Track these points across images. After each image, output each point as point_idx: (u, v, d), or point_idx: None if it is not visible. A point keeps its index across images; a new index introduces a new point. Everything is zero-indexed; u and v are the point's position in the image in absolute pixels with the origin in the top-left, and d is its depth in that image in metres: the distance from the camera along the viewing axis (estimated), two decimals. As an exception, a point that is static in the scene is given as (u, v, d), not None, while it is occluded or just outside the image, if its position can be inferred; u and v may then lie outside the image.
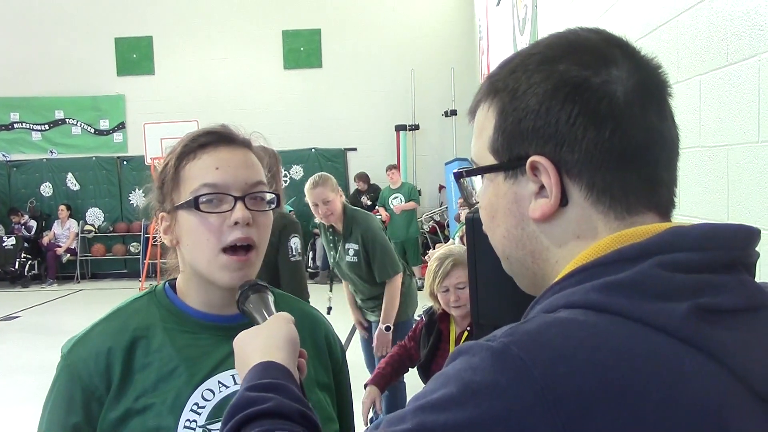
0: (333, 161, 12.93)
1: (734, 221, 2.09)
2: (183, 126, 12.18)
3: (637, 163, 0.73)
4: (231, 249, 1.22)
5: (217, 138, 1.27)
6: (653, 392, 0.61)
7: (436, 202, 12.91)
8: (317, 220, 4.33)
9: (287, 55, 13.21)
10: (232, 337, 1.20)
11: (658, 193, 0.75)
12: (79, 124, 13.49)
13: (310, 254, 11.87)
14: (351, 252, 4.17)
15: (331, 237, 4.29)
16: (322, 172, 4.30)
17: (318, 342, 1.38)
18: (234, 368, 1.23)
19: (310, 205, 4.12)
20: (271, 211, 1.30)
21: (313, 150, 12.76)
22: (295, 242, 3.66)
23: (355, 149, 12.82)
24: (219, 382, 1.25)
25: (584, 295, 0.68)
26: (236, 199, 1.22)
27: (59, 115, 13.47)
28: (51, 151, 13.56)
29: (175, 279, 1.34)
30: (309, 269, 11.89)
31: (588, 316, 0.66)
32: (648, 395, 0.61)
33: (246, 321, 1.23)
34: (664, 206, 0.76)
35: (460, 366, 0.66)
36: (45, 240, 12.96)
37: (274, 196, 1.30)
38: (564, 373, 0.62)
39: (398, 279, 4.21)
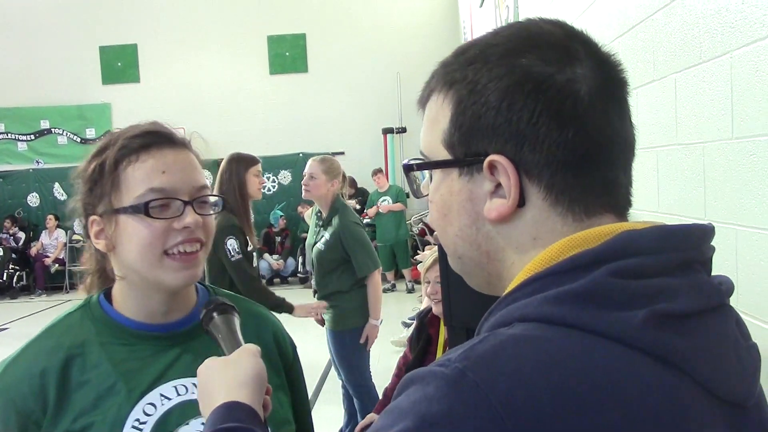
0: (321, 165, 12.92)
1: (712, 218, 2.10)
2: (169, 133, 12.18)
3: (598, 165, 0.71)
4: (177, 251, 1.19)
5: (159, 138, 1.23)
6: (616, 409, 0.59)
7: (425, 205, 12.90)
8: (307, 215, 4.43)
9: (273, 60, 13.20)
10: (174, 346, 1.19)
11: (616, 195, 0.74)
12: (65, 133, 13.44)
13: (300, 259, 11.86)
14: (323, 240, 4.19)
15: (317, 221, 4.35)
16: (331, 157, 4.37)
17: (265, 341, 1.34)
18: (177, 378, 1.22)
19: None
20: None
21: (300, 155, 12.74)
22: (231, 243, 3.86)
23: (342, 153, 12.83)
24: (161, 394, 1.21)
25: (538, 308, 0.66)
26: (185, 203, 1.20)
27: (45, 124, 13.42)
28: (37, 161, 13.50)
29: (110, 289, 1.29)
30: (299, 274, 11.88)
31: (543, 331, 0.64)
32: (611, 412, 0.59)
33: (187, 329, 1.22)
34: (621, 207, 0.75)
35: (415, 397, 0.62)
36: (33, 250, 12.88)
37: (219, 199, 1.29)
38: (523, 398, 0.59)
39: (377, 275, 4.23)
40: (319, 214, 4.35)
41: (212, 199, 1.26)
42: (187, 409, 1.21)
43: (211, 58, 13.05)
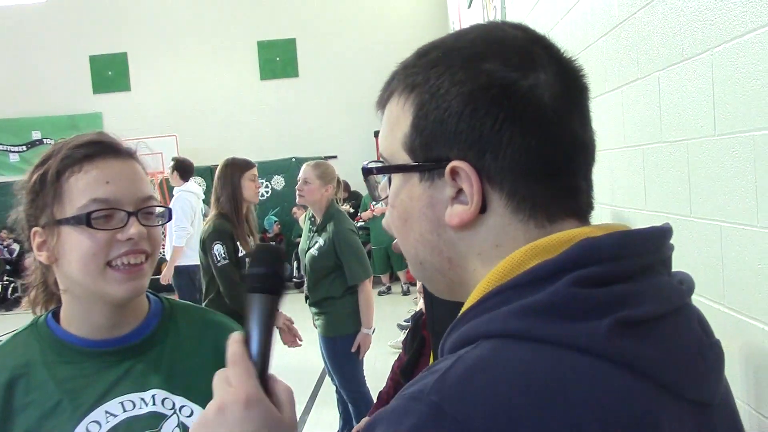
0: (314, 170, 12.92)
1: (697, 215, 2.11)
2: (162, 141, 12.19)
3: (560, 172, 0.71)
4: (121, 263, 1.17)
5: (103, 148, 1.21)
6: (594, 421, 0.59)
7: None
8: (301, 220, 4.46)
9: (263, 65, 13.20)
10: (123, 361, 1.17)
11: (578, 201, 0.74)
12: (56, 143, 13.41)
13: (295, 264, 11.85)
14: (316, 245, 4.18)
15: (311, 226, 4.34)
16: (325, 162, 4.37)
17: (222, 351, 1.29)
18: (125, 394, 1.19)
19: None
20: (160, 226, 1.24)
21: (293, 159, 12.74)
22: (217, 249, 3.91)
23: (335, 157, 12.83)
24: (106, 411, 1.19)
25: (503, 323, 0.65)
26: (129, 214, 1.18)
27: (36, 135, 13.40)
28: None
29: (59, 308, 1.27)
30: (294, 279, 11.87)
31: (510, 350, 0.63)
32: (590, 426, 0.59)
33: (138, 342, 1.21)
34: (583, 212, 0.75)
35: None
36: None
37: (165, 209, 1.26)
38: (504, 425, 0.58)
39: (369, 284, 4.23)
40: (312, 219, 4.34)
41: (158, 210, 1.24)
42: (134, 426, 1.19)
43: (202, 64, 13.05)
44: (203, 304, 4.07)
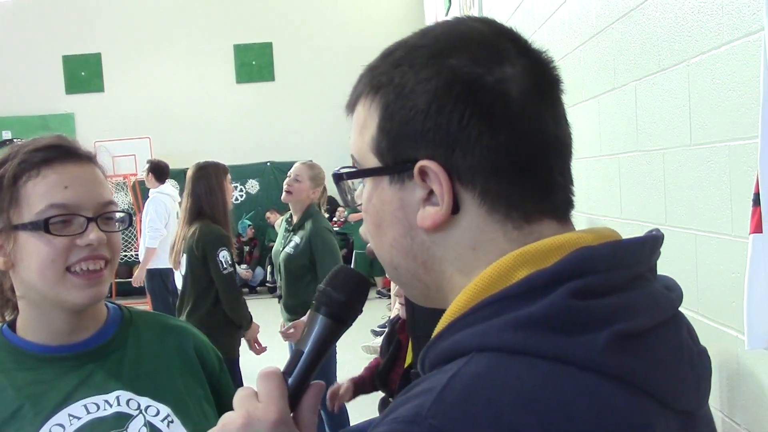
0: (289, 174, 12.89)
1: (672, 223, 2.13)
2: (135, 143, 12.08)
3: (532, 168, 0.69)
4: (80, 269, 1.15)
5: (62, 153, 1.19)
6: None
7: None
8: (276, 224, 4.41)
9: (239, 69, 13.15)
10: (83, 365, 1.15)
11: (554, 198, 0.71)
12: (27, 144, 13.24)
13: (269, 269, 11.79)
14: (292, 243, 4.11)
15: (287, 226, 4.29)
16: (318, 165, 4.35)
17: (187, 354, 1.32)
18: (87, 397, 1.18)
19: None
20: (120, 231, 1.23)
21: (268, 164, 12.69)
22: (224, 255, 3.80)
23: (310, 161, 12.81)
24: (69, 414, 1.17)
25: (497, 336, 0.63)
26: (88, 220, 1.16)
27: (6, 135, 13.18)
28: (-1, 173, 13.28)
29: (15, 320, 1.25)
30: (268, 284, 11.81)
31: (508, 366, 0.61)
32: None
33: (97, 346, 1.20)
34: (561, 210, 0.72)
35: None
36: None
37: (125, 215, 1.25)
38: None
39: None
40: (289, 221, 4.30)
41: (118, 215, 1.22)
42: (98, 427, 1.18)
43: (177, 66, 12.96)
44: (184, 315, 3.89)
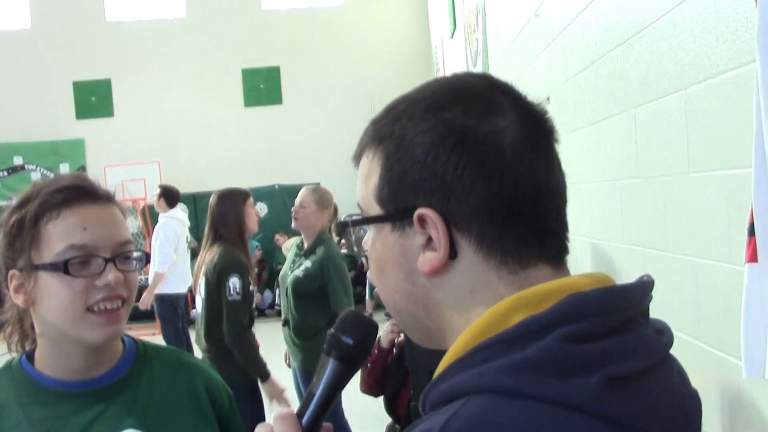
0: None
1: (672, 250, 2.15)
2: (144, 168, 12.16)
3: (525, 215, 0.72)
4: (99, 307, 1.17)
5: (81, 193, 1.21)
6: None
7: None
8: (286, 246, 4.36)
9: (247, 93, 13.24)
10: (98, 402, 1.16)
11: (548, 244, 0.74)
12: (38, 169, 13.34)
13: (277, 291, 11.80)
14: (302, 267, 4.10)
15: (297, 251, 4.28)
16: (324, 188, 4.35)
17: (196, 392, 1.34)
18: None
19: None
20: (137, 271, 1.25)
21: (276, 186, 12.74)
22: (233, 282, 3.75)
23: (318, 184, 12.85)
24: None
25: (493, 379, 0.65)
26: (106, 260, 1.18)
27: (18, 161, 13.32)
28: (10, 198, 13.36)
29: (34, 350, 1.27)
30: (276, 306, 11.82)
31: (503, 408, 0.63)
32: None
33: (112, 383, 1.22)
34: (556, 256, 0.75)
35: None
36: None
37: (142, 254, 1.27)
38: None
39: None
40: (300, 245, 4.31)
41: (135, 254, 1.24)
42: None
43: (186, 91, 13.07)
44: (202, 338, 3.82)
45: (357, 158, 0.81)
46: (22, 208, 1.20)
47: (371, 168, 0.77)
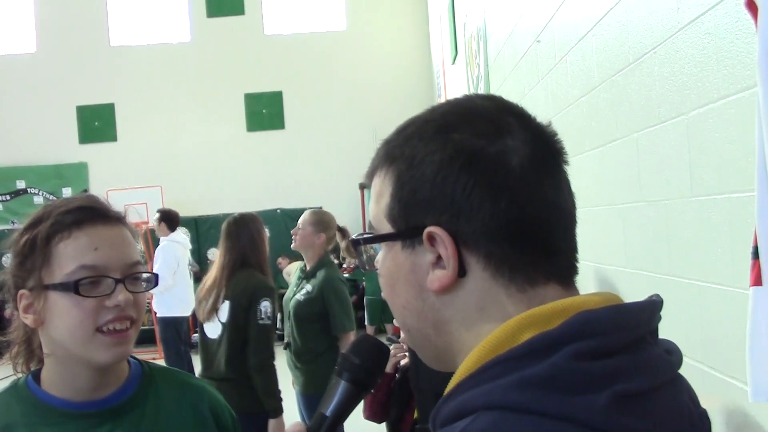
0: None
1: (676, 274, 2.15)
2: (147, 192, 12.17)
3: (533, 235, 0.73)
4: (108, 328, 1.18)
5: (92, 214, 1.23)
6: None
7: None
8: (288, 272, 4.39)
9: (250, 117, 13.32)
10: (105, 422, 1.17)
11: (557, 263, 0.75)
12: (41, 193, 13.37)
13: (279, 315, 11.76)
14: (304, 291, 4.13)
15: (301, 274, 4.30)
16: (325, 212, 4.42)
17: (202, 413, 1.34)
18: None
19: None
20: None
21: (278, 210, 12.76)
22: (265, 306, 3.74)
23: (320, 208, 12.86)
24: None
25: (503, 395, 0.66)
26: (116, 281, 1.19)
27: (21, 185, 13.36)
28: (12, 222, 13.37)
29: (40, 370, 1.28)
30: (278, 331, 11.77)
31: (512, 423, 0.64)
32: None
33: (119, 404, 1.22)
34: (564, 275, 0.76)
35: None
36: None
37: (151, 275, 1.28)
38: None
39: (351, 336, 4.13)
40: (303, 269, 4.33)
41: (145, 275, 1.26)
42: None
43: (189, 116, 13.14)
44: (222, 364, 3.73)
45: (369, 178, 0.83)
46: (33, 228, 1.21)
47: (383, 187, 0.79)
